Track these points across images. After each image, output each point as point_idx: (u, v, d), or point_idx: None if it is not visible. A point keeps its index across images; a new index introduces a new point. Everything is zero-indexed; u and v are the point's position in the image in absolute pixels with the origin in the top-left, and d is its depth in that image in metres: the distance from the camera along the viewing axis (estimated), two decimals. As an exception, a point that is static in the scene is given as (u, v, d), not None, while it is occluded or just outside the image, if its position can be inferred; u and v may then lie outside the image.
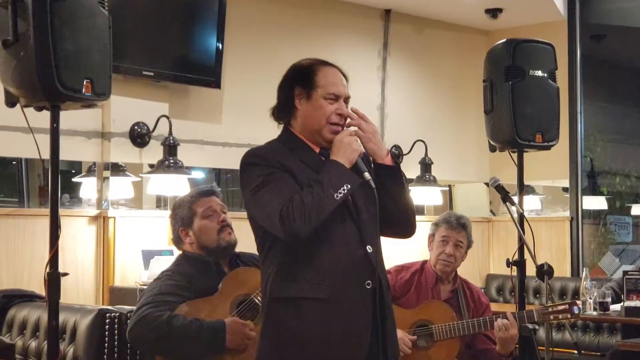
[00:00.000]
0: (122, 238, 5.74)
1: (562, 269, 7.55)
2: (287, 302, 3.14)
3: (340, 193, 3.08)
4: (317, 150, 3.29)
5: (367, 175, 3.19)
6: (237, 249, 4.16)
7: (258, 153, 3.25)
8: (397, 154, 7.49)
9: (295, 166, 3.18)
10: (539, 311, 4.31)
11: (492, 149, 4.91)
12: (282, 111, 3.35)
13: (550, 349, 4.35)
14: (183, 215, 4.12)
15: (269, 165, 3.15)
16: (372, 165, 3.28)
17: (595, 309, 5.81)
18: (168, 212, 5.83)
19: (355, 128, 3.23)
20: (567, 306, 4.25)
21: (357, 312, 3.15)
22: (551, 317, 4.27)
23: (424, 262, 4.72)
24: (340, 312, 3.12)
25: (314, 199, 3.04)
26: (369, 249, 3.21)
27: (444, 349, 4.39)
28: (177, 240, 4.16)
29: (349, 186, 3.11)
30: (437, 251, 4.63)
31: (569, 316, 4.25)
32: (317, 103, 3.25)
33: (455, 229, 4.64)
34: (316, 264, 3.13)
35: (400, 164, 3.34)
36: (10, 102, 3.53)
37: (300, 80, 3.29)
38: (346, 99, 3.30)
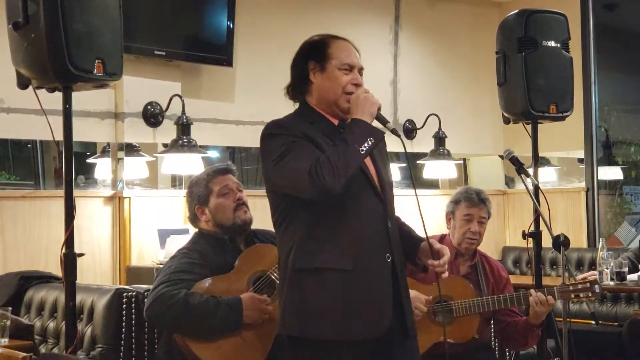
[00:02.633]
0: (138, 218, 5.76)
1: (579, 240, 7.53)
2: (311, 273, 3.16)
3: (365, 147, 3.11)
4: (336, 123, 3.31)
5: (390, 125, 3.24)
6: (252, 227, 4.16)
7: (280, 123, 3.26)
8: (411, 129, 7.48)
9: (317, 136, 3.20)
10: (559, 289, 4.29)
11: (506, 121, 4.90)
12: (297, 88, 3.36)
13: (568, 320, 4.34)
14: (199, 193, 4.12)
15: (291, 134, 3.17)
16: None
17: (612, 279, 5.79)
18: (183, 191, 5.86)
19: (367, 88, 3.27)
20: (588, 285, 4.23)
21: (379, 284, 3.19)
22: (572, 295, 4.25)
23: (442, 237, 4.68)
24: (363, 283, 3.15)
25: (340, 155, 3.07)
26: (389, 223, 3.26)
27: (464, 325, 4.37)
28: (193, 218, 4.17)
29: (372, 139, 3.14)
30: (462, 230, 4.56)
31: (590, 295, 4.22)
32: (332, 74, 3.27)
33: (477, 206, 4.59)
34: (340, 236, 3.16)
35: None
36: (23, 84, 3.55)
37: (314, 54, 3.31)
38: (360, 70, 3.33)
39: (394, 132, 3.24)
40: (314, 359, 3.18)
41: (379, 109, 3.22)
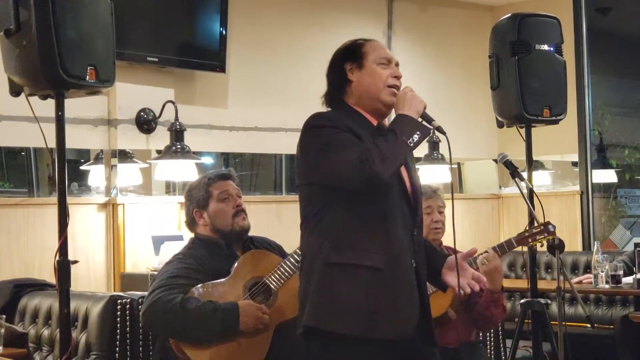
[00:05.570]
0: (132, 224, 5.75)
1: (574, 243, 7.54)
2: (343, 269, 3.16)
3: (413, 140, 3.16)
4: (375, 123, 3.34)
5: (436, 123, 3.28)
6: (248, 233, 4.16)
7: (324, 116, 3.28)
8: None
9: (359, 131, 3.22)
10: (516, 237, 4.31)
11: (500, 125, 4.90)
12: (335, 91, 3.38)
13: (563, 323, 4.34)
14: (199, 197, 4.11)
15: (336, 127, 3.19)
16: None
17: (607, 282, 5.80)
18: (177, 198, 5.87)
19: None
20: (542, 227, 4.26)
21: (406, 286, 3.22)
22: (529, 240, 4.29)
23: None
24: (392, 283, 3.17)
25: (389, 145, 3.11)
26: (415, 232, 3.30)
27: (436, 301, 4.34)
28: (191, 222, 4.15)
29: (419, 134, 3.18)
30: (426, 222, 4.56)
31: (547, 235, 4.25)
32: (372, 69, 3.32)
33: (432, 197, 4.64)
34: (373, 235, 3.18)
35: None
36: (15, 91, 3.54)
37: (349, 56, 3.37)
38: (397, 64, 3.38)
39: (439, 129, 3.28)
40: (341, 353, 3.17)
41: (425, 107, 3.26)
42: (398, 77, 3.34)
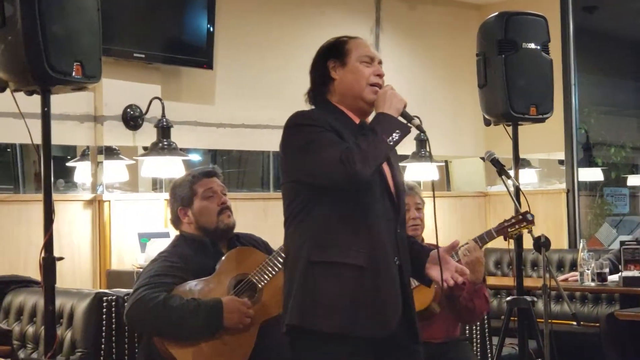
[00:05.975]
0: (118, 221, 5.73)
1: (559, 241, 7.55)
2: (326, 267, 3.16)
3: (393, 138, 3.16)
4: (357, 121, 3.34)
5: (416, 121, 3.28)
6: (234, 231, 4.14)
7: (307, 114, 3.28)
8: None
9: (342, 130, 3.22)
10: (496, 228, 4.31)
11: (487, 123, 4.91)
12: (318, 88, 3.38)
13: (549, 320, 4.34)
14: (183, 195, 4.10)
15: (319, 125, 3.19)
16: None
17: (593, 280, 5.82)
18: (164, 195, 5.86)
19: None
20: (520, 217, 4.27)
21: (390, 284, 3.22)
22: (508, 229, 4.29)
23: None
24: (375, 281, 3.17)
25: (370, 144, 3.11)
26: (398, 229, 3.30)
27: (420, 294, 4.34)
28: (176, 220, 4.14)
29: (399, 132, 3.19)
30: None
31: (526, 224, 4.25)
32: (354, 67, 3.32)
33: (409, 194, 4.62)
34: (356, 233, 3.18)
35: None
36: (0, 87, 3.52)
37: (332, 53, 3.36)
38: (379, 62, 3.38)
39: (419, 128, 3.28)
40: (324, 351, 3.17)
41: (405, 106, 3.27)
42: (381, 76, 3.34)
